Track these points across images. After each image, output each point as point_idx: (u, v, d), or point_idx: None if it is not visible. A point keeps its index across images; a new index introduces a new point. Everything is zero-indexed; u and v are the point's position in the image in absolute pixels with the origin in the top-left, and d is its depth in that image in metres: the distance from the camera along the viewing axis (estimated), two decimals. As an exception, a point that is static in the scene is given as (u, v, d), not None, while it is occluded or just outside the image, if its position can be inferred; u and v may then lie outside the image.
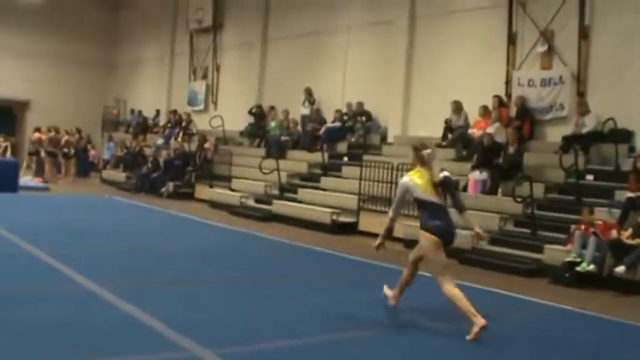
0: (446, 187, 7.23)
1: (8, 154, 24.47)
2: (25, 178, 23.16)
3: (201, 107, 27.10)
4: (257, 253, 11.94)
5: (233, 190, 20.32)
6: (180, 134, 25.47)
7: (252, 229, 15.05)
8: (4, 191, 18.58)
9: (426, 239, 7.13)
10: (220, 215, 17.85)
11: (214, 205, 19.92)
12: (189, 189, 22.46)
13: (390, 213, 7.58)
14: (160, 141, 25.70)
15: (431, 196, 7.13)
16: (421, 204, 7.20)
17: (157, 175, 22.90)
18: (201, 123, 25.79)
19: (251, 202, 19.23)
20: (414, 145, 7.46)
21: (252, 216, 17.81)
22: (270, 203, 18.16)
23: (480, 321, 6.74)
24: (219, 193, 20.46)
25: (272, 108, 23.14)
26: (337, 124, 20.12)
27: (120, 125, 31.75)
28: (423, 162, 7.26)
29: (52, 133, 26.26)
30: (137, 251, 10.68)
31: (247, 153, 22.42)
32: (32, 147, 26.39)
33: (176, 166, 22.86)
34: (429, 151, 7.28)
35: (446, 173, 7.30)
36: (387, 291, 8.14)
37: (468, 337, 6.71)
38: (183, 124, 26.05)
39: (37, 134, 26.47)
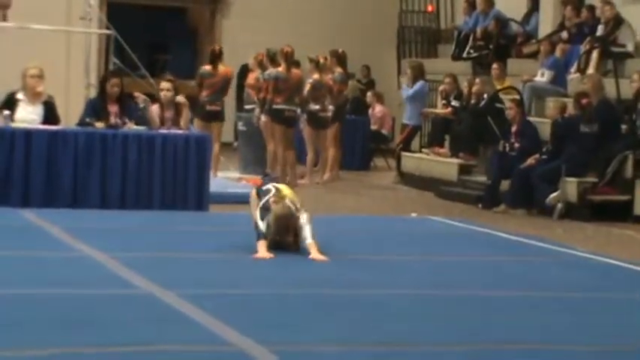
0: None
1: (185, 118, 19.61)
2: (224, 176, 21.68)
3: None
4: None
5: None
6: (595, 56, 22.15)
7: None
8: (182, 208, 17.41)
9: None
10: None
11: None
12: (619, 195, 20.16)
13: None
14: (542, 77, 22.76)
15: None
16: None
17: (534, 162, 20.50)
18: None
19: None
20: None
21: None
22: None
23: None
24: None
25: None
26: None
27: (441, 42, 29.89)
28: None
29: (284, 71, 23.09)
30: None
31: None
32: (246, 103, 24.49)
33: (584, 139, 20.32)
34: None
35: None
36: None
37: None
38: (602, 26, 22.82)
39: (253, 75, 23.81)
